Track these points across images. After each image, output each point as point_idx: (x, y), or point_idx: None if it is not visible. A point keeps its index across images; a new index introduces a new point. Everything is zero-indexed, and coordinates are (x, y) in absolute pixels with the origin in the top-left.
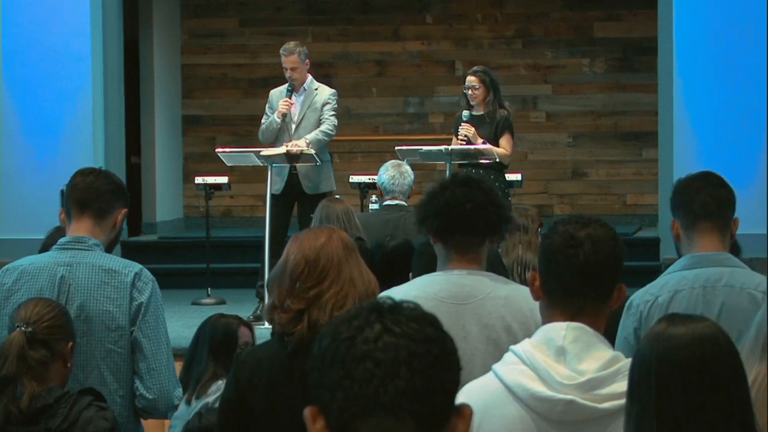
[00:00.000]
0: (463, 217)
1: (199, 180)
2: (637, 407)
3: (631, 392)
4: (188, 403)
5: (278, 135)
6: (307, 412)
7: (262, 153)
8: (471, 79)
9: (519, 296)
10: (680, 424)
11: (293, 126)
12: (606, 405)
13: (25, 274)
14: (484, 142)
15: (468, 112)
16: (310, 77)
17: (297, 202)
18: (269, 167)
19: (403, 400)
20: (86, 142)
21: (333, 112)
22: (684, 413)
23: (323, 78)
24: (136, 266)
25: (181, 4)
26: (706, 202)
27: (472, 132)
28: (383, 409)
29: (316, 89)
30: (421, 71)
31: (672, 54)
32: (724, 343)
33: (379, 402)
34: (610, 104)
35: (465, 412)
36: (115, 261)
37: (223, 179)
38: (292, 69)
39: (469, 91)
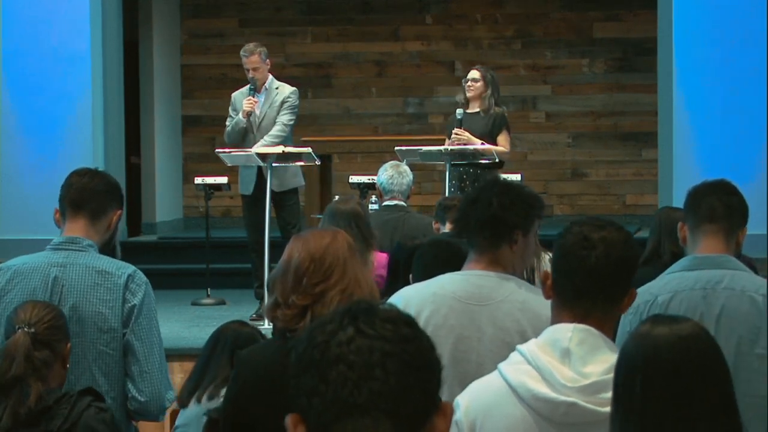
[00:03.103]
0: (468, 214)
1: (198, 180)
2: (621, 409)
3: (616, 395)
4: (198, 401)
5: (244, 135)
6: (288, 419)
7: (258, 151)
8: (472, 72)
9: (537, 301)
10: (666, 424)
11: (256, 126)
12: (608, 409)
13: (18, 274)
14: (482, 143)
15: (462, 110)
16: (270, 77)
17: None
18: (268, 167)
19: (378, 401)
20: (86, 142)
21: (288, 111)
22: (670, 412)
23: (323, 78)
24: (130, 268)
25: (180, 5)
26: (714, 205)
27: (465, 137)
28: (359, 411)
29: (277, 88)
30: (420, 71)
31: (672, 54)
32: (708, 342)
33: (355, 404)
34: (610, 104)
35: (446, 409)
36: (109, 262)
37: (223, 179)
38: (254, 69)
39: (469, 83)
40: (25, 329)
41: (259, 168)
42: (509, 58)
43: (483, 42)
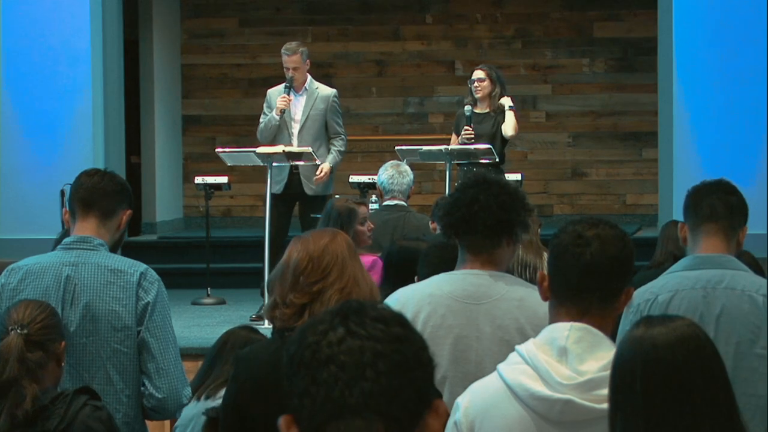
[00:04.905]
0: (469, 217)
1: (199, 180)
2: (622, 413)
3: (614, 398)
4: (198, 399)
5: (277, 134)
6: (281, 420)
7: (258, 151)
8: (477, 72)
9: (534, 298)
10: (669, 425)
11: (295, 125)
12: (605, 405)
13: (30, 273)
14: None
15: (470, 107)
16: (309, 77)
17: (298, 202)
18: (269, 167)
19: (370, 401)
20: (86, 142)
21: (341, 125)
22: (672, 413)
23: (323, 78)
24: (142, 266)
25: (181, 4)
26: (714, 204)
27: (472, 137)
28: (350, 412)
29: (317, 89)
30: (420, 71)
31: (672, 54)
32: (704, 340)
33: (346, 405)
34: (610, 104)
35: (439, 408)
36: (121, 261)
37: (223, 179)
38: (294, 69)
39: (475, 83)
40: (18, 330)
41: (291, 168)
42: (509, 58)
43: (483, 42)
